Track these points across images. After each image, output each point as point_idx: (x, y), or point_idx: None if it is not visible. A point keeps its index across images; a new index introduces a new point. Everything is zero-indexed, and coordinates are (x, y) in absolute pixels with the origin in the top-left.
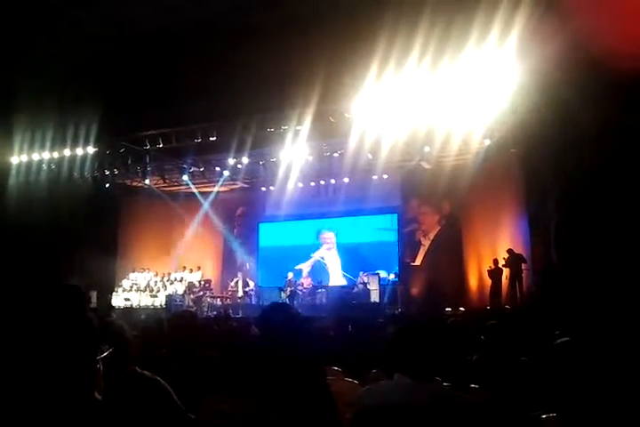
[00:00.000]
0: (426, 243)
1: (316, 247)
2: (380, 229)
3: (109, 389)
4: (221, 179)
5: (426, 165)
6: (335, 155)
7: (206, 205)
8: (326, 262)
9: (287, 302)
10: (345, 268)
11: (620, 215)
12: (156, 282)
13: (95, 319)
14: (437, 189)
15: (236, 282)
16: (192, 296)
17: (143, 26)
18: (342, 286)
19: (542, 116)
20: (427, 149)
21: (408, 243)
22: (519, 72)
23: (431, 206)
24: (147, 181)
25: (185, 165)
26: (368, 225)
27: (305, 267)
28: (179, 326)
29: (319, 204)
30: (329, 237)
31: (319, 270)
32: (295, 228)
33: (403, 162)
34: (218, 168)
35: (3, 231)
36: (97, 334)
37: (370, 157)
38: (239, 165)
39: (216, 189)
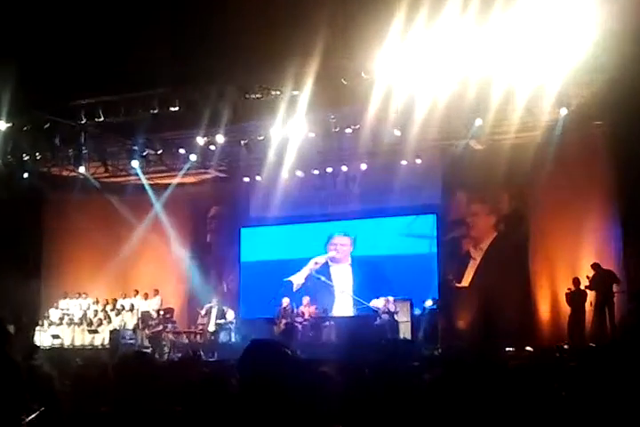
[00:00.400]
0: (477, 255)
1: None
2: (411, 237)
3: None
4: (186, 165)
5: (476, 145)
6: (348, 131)
7: (163, 202)
8: (332, 280)
9: (280, 339)
10: (360, 290)
11: None
12: (95, 312)
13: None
14: (493, 180)
15: (209, 311)
16: (147, 332)
17: None
18: (359, 317)
19: (638, 76)
20: (478, 122)
21: (452, 255)
22: (604, 16)
23: (484, 204)
24: (81, 169)
25: (135, 147)
26: (394, 230)
27: (297, 280)
28: (128, 375)
29: (325, 200)
30: (343, 243)
31: (319, 291)
32: (292, 234)
33: (444, 141)
34: (182, 150)
35: None
36: (24, 385)
37: (397, 133)
38: (212, 147)
39: (178, 179)
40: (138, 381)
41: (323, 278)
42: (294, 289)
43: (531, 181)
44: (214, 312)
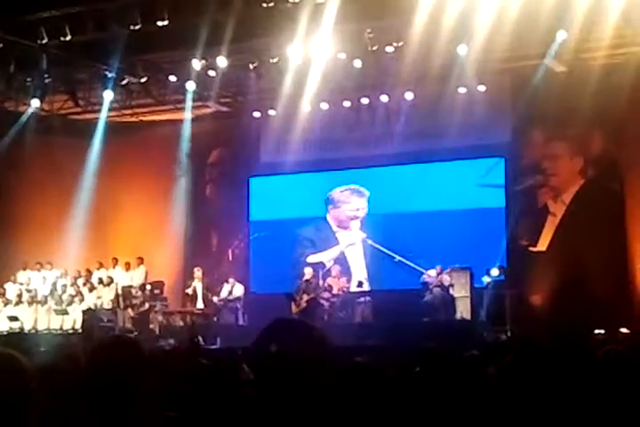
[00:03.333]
0: (558, 211)
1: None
2: (471, 187)
3: None
4: (187, 97)
5: (558, 67)
6: (389, 50)
7: (149, 146)
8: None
9: (303, 318)
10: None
11: None
12: (64, 287)
13: None
14: (579, 112)
15: (210, 286)
16: (130, 312)
17: None
18: (403, 291)
19: None
20: (560, 35)
21: (524, 210)
22: None
23: (567, 143)
24: (39, 104)
25: (112, 74)
26: (449, 179)
27: (327, 258)
28: (106, 367)
29: (359, 141)
30: (355, 202)
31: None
32: (315, 185)
33: (515, 62)
34: (172, 77)
35: None
36: None
37: (457, 52)
38: (211, 72)
39: (169, 115)
40: (119, 375)
41: (376, 245)
42: (332, 272)
43: (628, 112)
44: (227, 287)
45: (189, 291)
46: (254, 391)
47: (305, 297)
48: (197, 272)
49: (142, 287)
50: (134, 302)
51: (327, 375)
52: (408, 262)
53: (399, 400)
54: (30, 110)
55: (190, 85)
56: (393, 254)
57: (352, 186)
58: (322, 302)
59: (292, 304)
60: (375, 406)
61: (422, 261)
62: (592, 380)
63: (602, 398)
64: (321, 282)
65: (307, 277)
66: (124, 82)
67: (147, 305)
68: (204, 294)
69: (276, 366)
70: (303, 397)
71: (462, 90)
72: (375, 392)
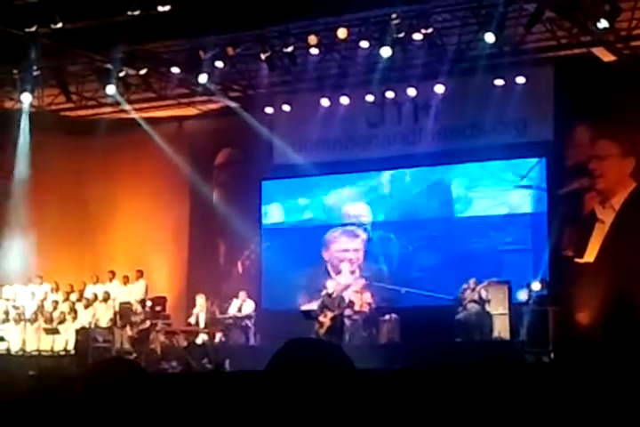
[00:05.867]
0: (606, 217)
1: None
2: (508, 190)
3: None
4: (196, 91)
5: (604, 56)
6: (417, 37)
7: (149, 145)
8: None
9: (329, 339)
10: (432, 271)
11: None
12: (55, 303)
13: None
14: (630, 106)
15: (220, 303)
16: (129, 331)
17: None
18: (434, 308)
19: None
20: (602, 22)
21: (569, 217)
22: None
23: (617, 141)
24: (29, 99)
25: (110, 65)
26: (483, 181)
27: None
28: (105, 392)
29: (383, 139)
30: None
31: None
32: (335, 188)
33: (558, 50)
34: (175, 69)
35: None
36: None
37: (489, 39)
38: (219, 63)
39: (171, 111)
40: (119, 403)
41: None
42: (355, 287)
43: None
44: (236, 304)
45: (192, 320)
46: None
47: (329, 314)
48: (200, 299)
49: (142, 303)
50: (134, 319)
51: (351, 404)
52: (421, 292)
53: None
54: (25, 106)
55: (202, 78)
56: (398, 288)
57: (347, 227)
58: (345, 321)
59: (315, 322)
60: None
61: (452, 274)
62: None
63: None
64: (344, 298)
65: (329, 290)
66: (121, 74)
67: (148, 323)
68: (209, 318)
69: (290, 395)
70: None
71: (499, 82)
72: (399, 424)
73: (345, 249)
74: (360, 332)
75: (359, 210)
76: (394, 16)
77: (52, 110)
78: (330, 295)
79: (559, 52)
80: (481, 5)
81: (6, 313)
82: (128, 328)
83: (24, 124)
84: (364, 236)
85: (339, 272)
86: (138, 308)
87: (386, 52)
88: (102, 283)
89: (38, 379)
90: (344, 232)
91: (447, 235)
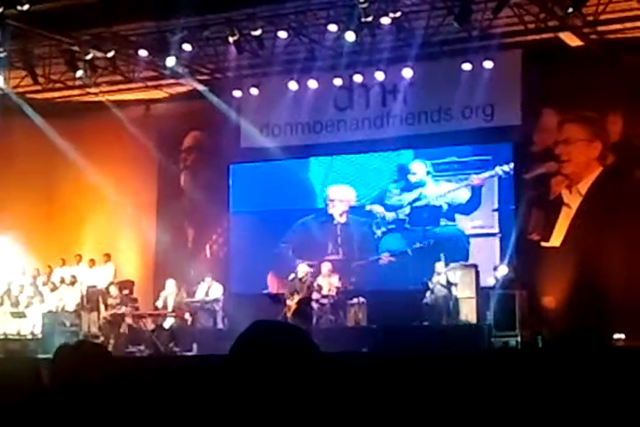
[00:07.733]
0: (573, 202)
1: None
2: (475, 175)
3: None
4: (165, 73)
5: (571, 40)
6: (385, 21)
7: (116, 128)
8: None
9: (297, 323)
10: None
11: None
12: (21, 287)
13: None
14: (597, 91)
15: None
16: (99, 315)
17: None
18: (401, 291)
19: None
20: (570, 8)
21: (536, 202)
22: None
23: (585, 126)
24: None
25: (77, 48)
26: (450, 166)
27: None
28: (72, 375)
29: (352, 123)
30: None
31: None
32: (304, 172)
33: (525, 35)
34: (143, 52)
35: None
36: None
37: (456, 24)
38: (186, 46)
39: (139, 94)
40: (85, 386)
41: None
42: (323, 270)
43: None
44: (203, 287)
45: (159, 304)
46: (227, 408)
47: (296, 297)
48: (170, 283)
49: (119, 286)
50: (110, 302)
51: (314, 387)
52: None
53: (393, 415)
54: None
55: (170, 61)
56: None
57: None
58: (312, 304)
59: (282, 306)
60: (369, 423)
61: (419, 258)
62: (615, 389)
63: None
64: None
65: (300, 274)
66: (88, 57)
67: (123, 308)
68: (177, 302)
69: (254, 378)
70: (286, 413)
71: (467, 66)
72: (366, 408)
73: (314, 233)
74: (328, 315)
75: (344, 192)
76: (362, 0)
77: (19, 93)
78: (300, 280)
79: (527, 36)
80: None
81: None
82: (96, 312)
83: None
84: (334, 220)
85: (308, 257)
86: (115, 291)
87: (350, 36)
88: (69, 266)
89: (5, 362)
90: (315, 217)
91: (414, 219)
